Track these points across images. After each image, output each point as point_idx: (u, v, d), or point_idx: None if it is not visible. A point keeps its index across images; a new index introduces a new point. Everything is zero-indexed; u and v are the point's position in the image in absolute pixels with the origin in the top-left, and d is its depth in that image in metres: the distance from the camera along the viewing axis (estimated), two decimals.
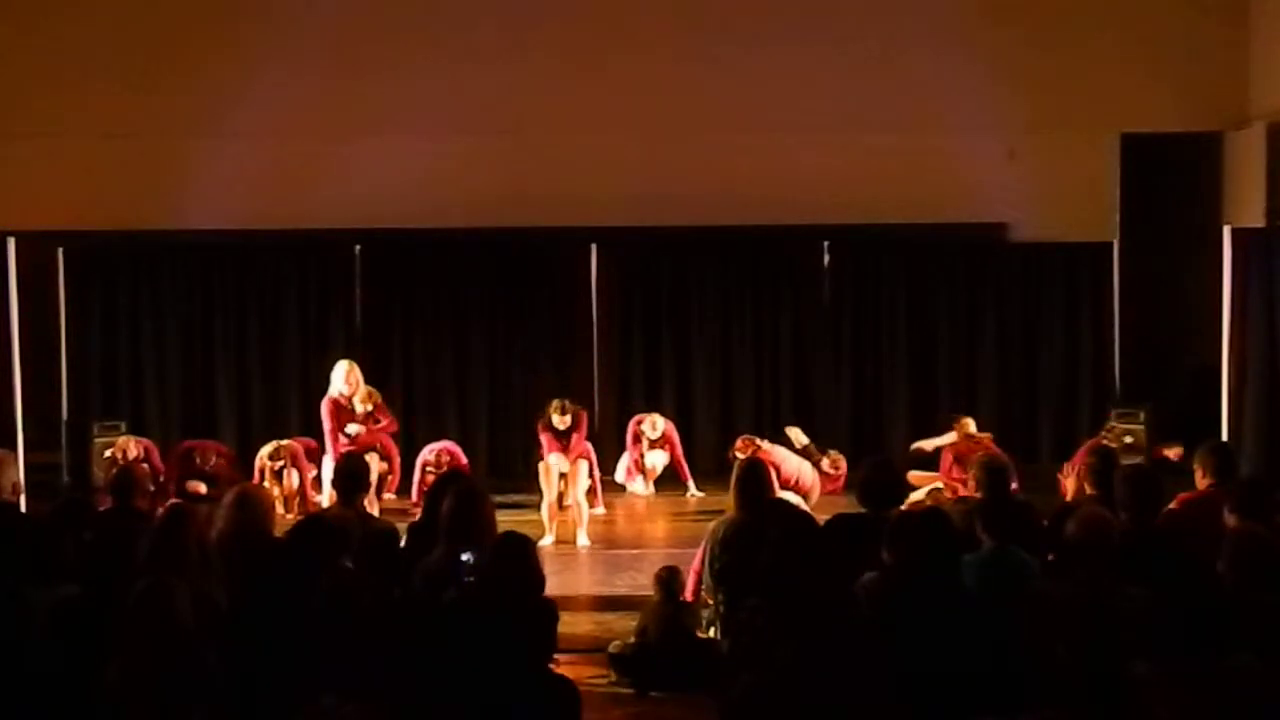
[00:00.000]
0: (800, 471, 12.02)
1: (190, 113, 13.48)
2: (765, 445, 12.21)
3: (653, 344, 14.19)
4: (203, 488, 11.94)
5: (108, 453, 12.20)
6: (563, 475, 11.29)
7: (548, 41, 13.74)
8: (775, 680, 4.46)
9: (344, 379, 11.78)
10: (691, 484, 12.91)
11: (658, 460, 13.05)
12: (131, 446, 12.02)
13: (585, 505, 11.17)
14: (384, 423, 11.97)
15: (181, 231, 13.73)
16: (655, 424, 12.98)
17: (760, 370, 14.21)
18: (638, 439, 13.04)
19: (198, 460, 12.40)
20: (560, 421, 11.38)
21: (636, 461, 13.07)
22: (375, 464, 11.46)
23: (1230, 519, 6.07)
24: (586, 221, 13.56)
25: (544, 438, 11.46)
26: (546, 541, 10.69)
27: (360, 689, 4.72)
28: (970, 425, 12.47)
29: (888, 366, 14.18)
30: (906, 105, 13.70)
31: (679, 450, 13.06)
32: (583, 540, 10.88)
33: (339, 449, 11.31)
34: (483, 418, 13.91)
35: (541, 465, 11.32)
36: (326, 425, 11.70)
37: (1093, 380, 14.07)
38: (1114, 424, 12.88)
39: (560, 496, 11.27)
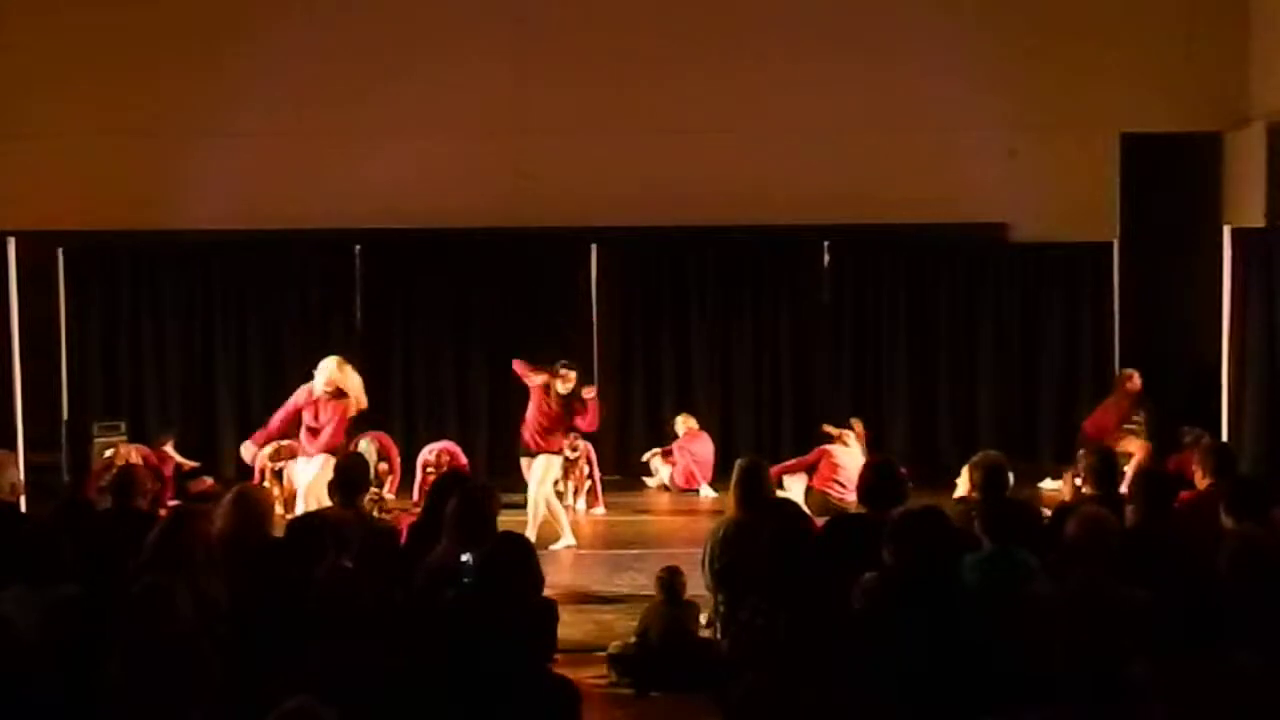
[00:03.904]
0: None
1: (190, 113, 13.51)
2: (840, 444, 12.06)
3: (652, 343, 14.20)
4: (209, 481, 11.99)
5: (108, 452, 12.21)
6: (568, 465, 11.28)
7: (548, 42, 13.77)
8: (776, 681, 4.46)
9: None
10: (704, 486, 12.99)
11: (664, 474, 13.38)
12: (133, 455, 12.01)
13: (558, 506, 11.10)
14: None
15: (181, 231, 13.74)
16: (676, 425, 13.32)
17: (760, 370, 14.21)
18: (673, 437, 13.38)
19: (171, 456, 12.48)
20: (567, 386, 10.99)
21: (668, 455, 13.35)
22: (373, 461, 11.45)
23: (1225, 520, 6.06)
24: (586, 221, 13.57)
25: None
26: (566, 543, 10.74)
27: (356, 689, 4.71)
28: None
29: (888, 366, 14.18)
30: (907, 105, 13.72)
31: (689, 458, 13.27)
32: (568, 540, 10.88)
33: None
34: (483, 418, 13.90)
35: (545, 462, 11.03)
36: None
37: (1093, 380, 14.06)
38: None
39: (559, 496, 11.29)
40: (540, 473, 10.83)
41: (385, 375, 13.92)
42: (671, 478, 13.42)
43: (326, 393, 10.33)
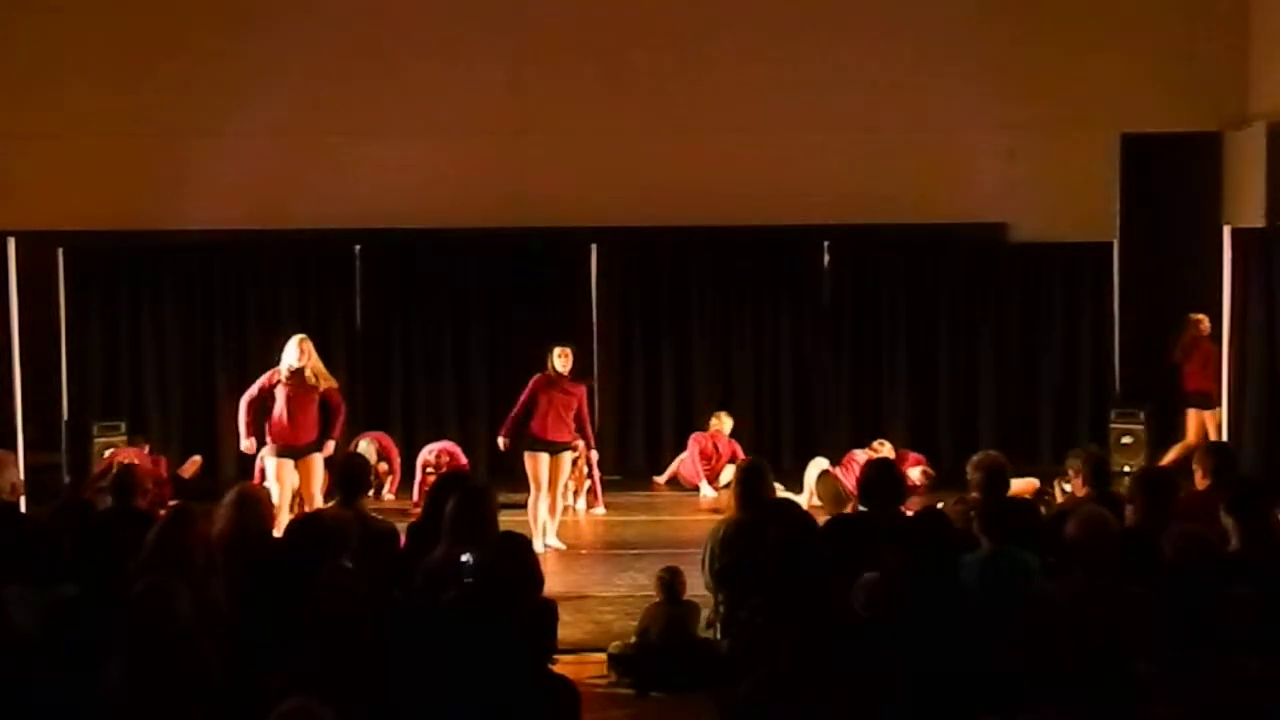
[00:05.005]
0: None
1: (190, 113, 13.50)
2: (870, 451, 12.10)
3: (653, 344, 14.19)
4: (198, 459, 12.16)
5: (108, 453, 12.21)
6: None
7: (548, 42, 13.76)
8: (776, 681, 4.46)
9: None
10: (704, 486, 13.00)
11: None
12: (134, 460, 11.99)
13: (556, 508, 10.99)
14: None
15: (181, 231, 13.73)
16: (711, 420, 13.37)
17: (760, 370, 14.20)
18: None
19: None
20: (562, 364, 10.83)
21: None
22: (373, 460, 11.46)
23: (1225, 519, 6.06)
24: (586, 221, 13.57)
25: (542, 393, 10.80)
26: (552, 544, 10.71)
27: (355, 689, 4.72)
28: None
29: (888, 366, 14.17)
30: (906, 105, 13.71)
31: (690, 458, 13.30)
32: (552, 540, 10.77)
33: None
34: (483, 418, 13.88)
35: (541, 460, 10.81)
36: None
37: (1093, 380, 14.06)
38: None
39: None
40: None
41: (385, 375, 13.93)
42: (676, 469, 13.40)
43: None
